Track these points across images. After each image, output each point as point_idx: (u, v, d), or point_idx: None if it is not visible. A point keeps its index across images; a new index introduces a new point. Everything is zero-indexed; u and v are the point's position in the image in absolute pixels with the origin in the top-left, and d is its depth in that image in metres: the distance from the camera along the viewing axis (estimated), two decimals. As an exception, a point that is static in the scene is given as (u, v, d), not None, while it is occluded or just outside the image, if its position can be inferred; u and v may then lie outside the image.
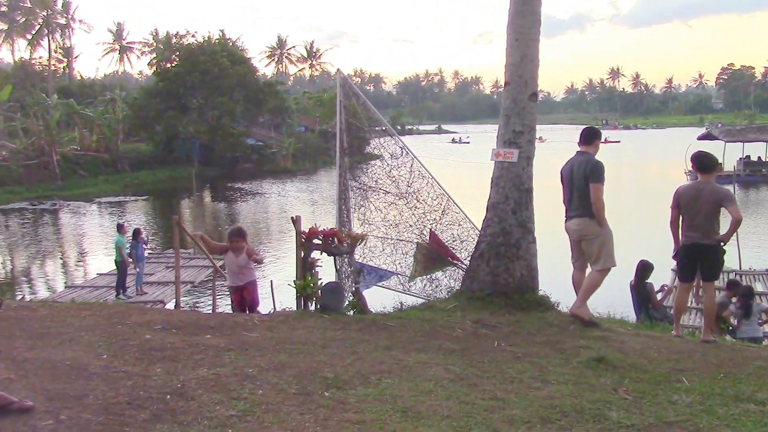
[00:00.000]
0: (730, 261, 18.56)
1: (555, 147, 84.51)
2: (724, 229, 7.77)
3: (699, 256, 7.84)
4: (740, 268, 19.31)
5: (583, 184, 7.89)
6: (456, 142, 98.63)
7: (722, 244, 7.79)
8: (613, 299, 10.82)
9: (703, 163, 7.95)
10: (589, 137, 8.21)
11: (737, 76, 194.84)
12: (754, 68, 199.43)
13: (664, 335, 8.16)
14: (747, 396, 5.45)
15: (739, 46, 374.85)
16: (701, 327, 8.98)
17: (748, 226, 28.51)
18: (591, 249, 8.04)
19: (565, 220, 8.24)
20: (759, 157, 50.67)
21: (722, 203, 7.63)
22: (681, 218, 7.89)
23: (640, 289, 11.44)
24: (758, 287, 17.37)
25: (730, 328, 11.86)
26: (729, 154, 46.04)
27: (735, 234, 7.96)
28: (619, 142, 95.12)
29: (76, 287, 20.39)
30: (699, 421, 4.86)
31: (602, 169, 7.89)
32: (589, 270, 8.25)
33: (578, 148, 8.25)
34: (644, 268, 11.44)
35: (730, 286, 12.16)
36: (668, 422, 4.82)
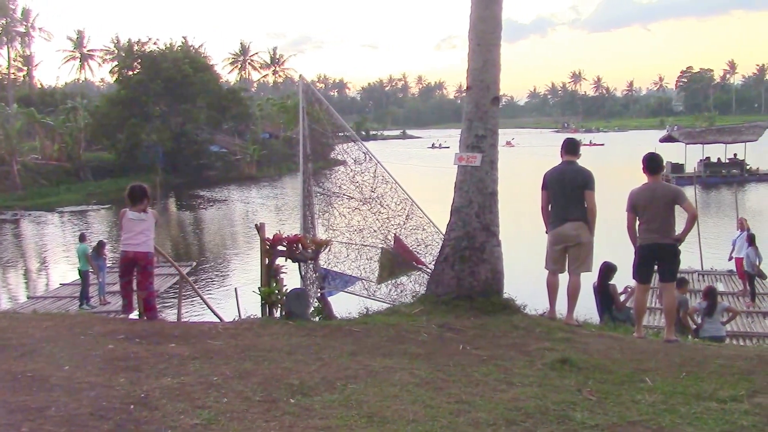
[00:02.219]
0: (692, 262, 18.92)
1: (524, 152, 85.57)
2: (679, 228, 7.95)
3: (657, 257, 8.01)
4: (702, 269, 19.63)
5: (578, 193, 8.34)
6: (435, 147, 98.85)
7: (680, 243, 7.96)
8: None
9: (654, 164, 8.14)
10: (575, 148, 8.68)
11: (697, 78, 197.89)
12: (712, 71, 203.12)
13: (627, 336, 8.27)
14: (709, 394, 5.53)
15: (698, 49, 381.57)
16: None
17: (710, 227, 28.97)
18: (580, 253, 8.38)
19: (554, 226, 8.44)
20: (719, 159, 51.56)
21: (676, 200, 7.85)
22: (638, 220, 8.08)
23: (604, 290, 11.56)
24: (720, 287, 17.66)
25: (695, 327, 12.06)
26: (689, 156, 46.82)
27: (697, 235, 8.21)
28: (603, 144, 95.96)
29: (38, 298, 20.12)
30: (662, 420, 4.91)
31: (594, 178, 8.42)
32: (564, 275, 8.57)
33: (563, 158, 8.62)
34: (607, 270, 11.57)
35: (679, 283, 12.41)
36: (631, 422, 4.87)
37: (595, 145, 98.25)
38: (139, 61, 67.01)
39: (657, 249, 7.94)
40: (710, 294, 12.30)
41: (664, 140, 49.11)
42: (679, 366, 6.52)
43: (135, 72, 66.01)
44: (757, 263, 17.10)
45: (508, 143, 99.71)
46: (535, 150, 79.68)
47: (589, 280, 11.32)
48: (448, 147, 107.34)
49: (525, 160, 63.12)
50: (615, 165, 56.03)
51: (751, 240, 17.28)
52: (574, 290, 8.44)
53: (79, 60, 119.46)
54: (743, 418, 4.93)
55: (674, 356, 6.95)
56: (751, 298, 16.72)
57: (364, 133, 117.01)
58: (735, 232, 18.75)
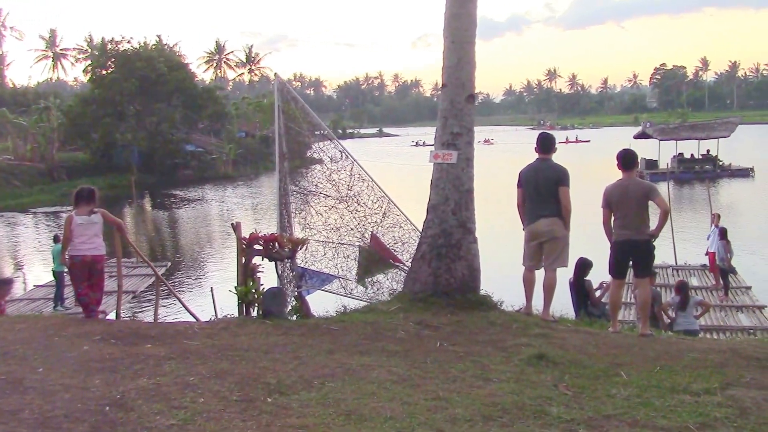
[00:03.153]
0: (666, 256, 19.11)
1: (502, 149, 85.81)
2: (653, 224, 8.04)
3: (632, 252, 8.10)
4: (676, 263, 19.82)
5: (553, 189, 8.34)
6: (419, 145, 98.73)
7: (653, 238, 8.04)
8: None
9: (627, 160, 8.21)
10: (550, 144, 8.66)
11: (670, 75, 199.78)
12: (685, 68, 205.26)
13: (602, 331, 8.34)
14: (683, 387, 5.60)
15: (672, 46, 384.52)
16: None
17: (683, 222, 29.29)
18: (555, 248, 8.41)
19: (529, 222, 8.49)
20: (692, 154, 52.12)
21: (649, 196, 7.93)
22: (612, 216, 8.16)
23: (579, 286, 11.63)
24: (693, 281, 17.86)
25: (668, 321, 12.19)
26: (663, 152, 47.28)
27: (670, 230, 8.30)
28: (589, 141, 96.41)
29: (12, 300, 19.84)
30: (636, 413, 4.96)
31: (569, 174, 8.42)
32: (540, 271, 8.61)
33: (537, 154, 8.63)
34: (583, 266, 11.64)
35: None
36: (607, 415, 4.92)
37: (581, 141, 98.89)
38: (113, 60, 66.46)
39: (631, 245, 8.03)
40: (682, 288, 12.43)
41: (638, 137, 49.73)
42: (653, 360, 6.59)
43: (109, 71, 65.47)
44: (728, 258, 17.32)
45: (488, 141, 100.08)
46: (513, 147, 79.99)
47: (565, 275, 11.42)
48: (431, 145, 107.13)
49: (502, 158, 63.34)
50: (605, 161, 56.31)
51: (722, 234, 17.49)
52: (549, 286, 8.50)
53: (51, 59, 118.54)
54: (716, 410, 5.00)
55: (649, 350, 7.02)
56: (724, 292, 16.91)
57: (340, 131, 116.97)
58: (708, 228, 18.97)
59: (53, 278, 18.34)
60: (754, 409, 5.06)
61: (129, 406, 4.86)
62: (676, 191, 42.32)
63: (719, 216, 18.99)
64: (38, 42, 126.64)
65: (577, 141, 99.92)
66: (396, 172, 47.58)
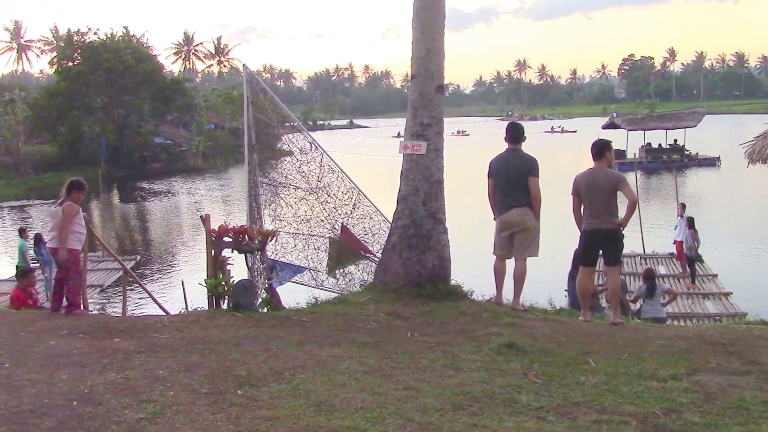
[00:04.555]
0: (634, 245, 19.32)
1: (474, 140, 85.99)
2: (621, 214, 8.11)
3: (600, 241, 8.17)
4: (644, 252, 20.05)
5: (523, 179, 8.40)
6: (401, 137, 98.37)
7: (621, 228, 8.11)
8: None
9: (597, 150, 8.27)
10: (520, 135, 8.69)
11: (638, 66, 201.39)
12: (653, 58, 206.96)
13: (571, 320, 8.43)
14: (650, 374, 5.68)
15: (639, 37, 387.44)
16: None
17: (651, 211, 29.59)
18: (526, 239, 8.48)
19: (500, 213, 8.52)
20: (660, 144, 52.69)
21: (617, 186, 7.99)
22: (582, 205, 8.22)
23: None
24: (661, 270, 18.10)
25: (636, 309, 12.32)
26: (631, 142, 47.74)
27: (638, 219, 8.38)
28: (575, 131, 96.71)
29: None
30: (604, 400, 5.03)
31: (538, 164, 8.47)
32: (510, 261, 8.67)
33: (507, 145, 8.68)
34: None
35: None
36: (575, 402, 4.97)
37: (567, 132, 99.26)
38: (80, 51, 65.42)
39: (599, 234, 8.09)
40: (650, 276, 12.57)
41: (606, 127, 50.20)
42: (621, 347, 6.67)
43: (75, 63, 64.45)
44: (696, 246, 17.56)
45: (462, 132, 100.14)
46: (484, 139, 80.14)
47: (537, 265, 11.50)
48: None
49: (473, 149, 63.53)
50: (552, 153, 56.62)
51: (690, 223, 17.73)
52: (520, 275, 8.55)
53: (16, 51, 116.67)
54: (682, 395, 5.08)
55: (617, 338, 7.10)
56: (691, 280, 17.15)
57: (311, 123, 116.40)
58: (675, 217, 19.20)
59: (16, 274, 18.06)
60: (720, 394, 5.15)
61: (97, 401, 4.82)
62: (644, 181, 42.72)
63: (684, 206, 19.25)
64: (2, 34, 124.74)
65: (563, 131, 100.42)
66: (377, 164, 47.55)
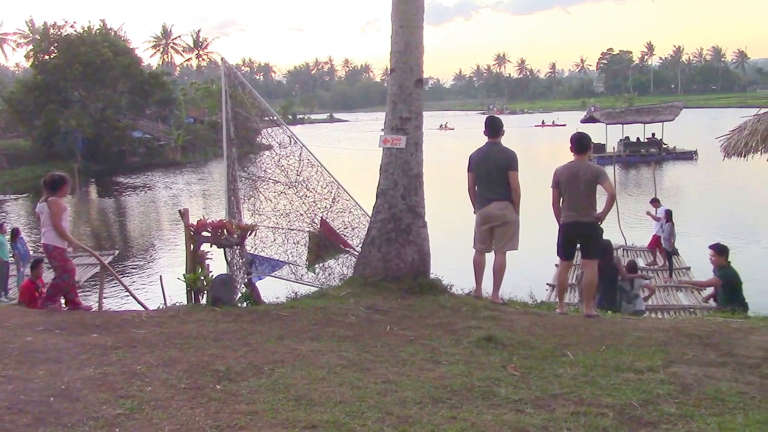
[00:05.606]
0: (612, 238, 19.43)
1: (455, 134, 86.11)
2: (600, 207, 8.16)
3: (578, 234, 8.22)
4: (626, 244, 20.21)
5: (503, 173, 8.40)
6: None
7: (599, 221, 8.17)
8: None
9: (581, 143, 8.31)
10: (498, 128, 8.67)
11: (616, 60, 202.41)
12: (631, 53, 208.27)
13: (549, 313, 8.48)
14: (627, 366, 5.73)
15: (618, 31, 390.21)
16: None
17: (629, 204, 29.80)
18: (507, 232, 8.49)
19: (480, 206, 8.54)
20: (638, 138, 53.03)
21: (597, 180, 8.04)
22: (561, 198, 8.27)
23: (608, 269, 11.17)
24: (640, 263, 18.21)
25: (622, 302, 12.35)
26: (610, 136, 48.00)
27: (616, 213, 8.41)
28: (565, 125, 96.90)
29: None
30: (582, 392, 5.06)
31: (518, 158, 8.49)
32: (490, 254, 8.71)
33: (487, 138, 8.67)
34: (606, 249, 11.21)
35: None
36: (553, 395, 5.01)
37: (558, 125, 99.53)
38: (56, 44, 64.67)
39: (577, 227, 8.14)
40: (632, 269, 12.63)
41: (585, 121, 50.50)
42: (599, 339, 6.72)
43: (52, 56, 63.68)
44: (672, 240, 17.69)
45: (445, 126, 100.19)
46: (464, 133, 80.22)
47: (515, 259, 11.53)
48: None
49: (454, 143, 63.60)
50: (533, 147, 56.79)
51: (668, 216, 17.86)
52: (499, 269, 8.59)
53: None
54: (659, 387, 5.13)
55: (594, 330, 7.15)
56: (668, 273, 17.28)
57: (290, 117, 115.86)
58: (653, 211, 19.33)
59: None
60: (695, 385, 5.20)
61: (74, 396, 4.78)
62: (623, 174, 43.00)
63: (659, 200, 19.48)
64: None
65: (554, 125, 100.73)
66: (357, 158, 47.47)
